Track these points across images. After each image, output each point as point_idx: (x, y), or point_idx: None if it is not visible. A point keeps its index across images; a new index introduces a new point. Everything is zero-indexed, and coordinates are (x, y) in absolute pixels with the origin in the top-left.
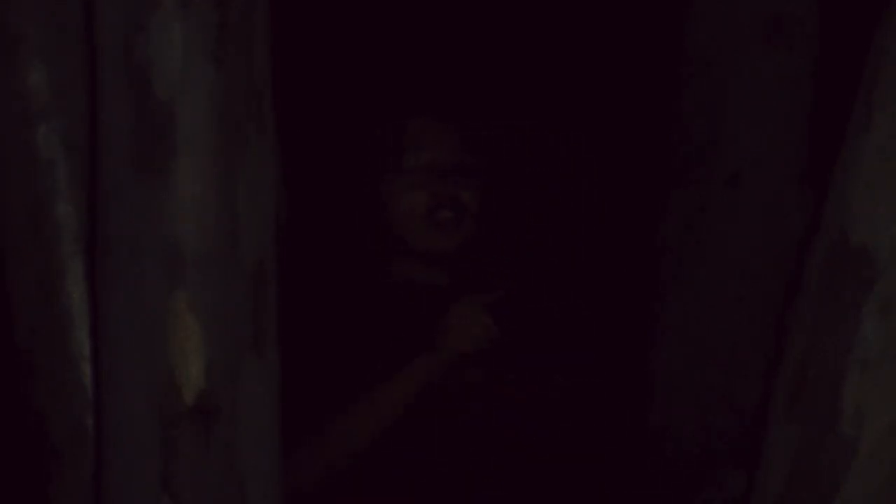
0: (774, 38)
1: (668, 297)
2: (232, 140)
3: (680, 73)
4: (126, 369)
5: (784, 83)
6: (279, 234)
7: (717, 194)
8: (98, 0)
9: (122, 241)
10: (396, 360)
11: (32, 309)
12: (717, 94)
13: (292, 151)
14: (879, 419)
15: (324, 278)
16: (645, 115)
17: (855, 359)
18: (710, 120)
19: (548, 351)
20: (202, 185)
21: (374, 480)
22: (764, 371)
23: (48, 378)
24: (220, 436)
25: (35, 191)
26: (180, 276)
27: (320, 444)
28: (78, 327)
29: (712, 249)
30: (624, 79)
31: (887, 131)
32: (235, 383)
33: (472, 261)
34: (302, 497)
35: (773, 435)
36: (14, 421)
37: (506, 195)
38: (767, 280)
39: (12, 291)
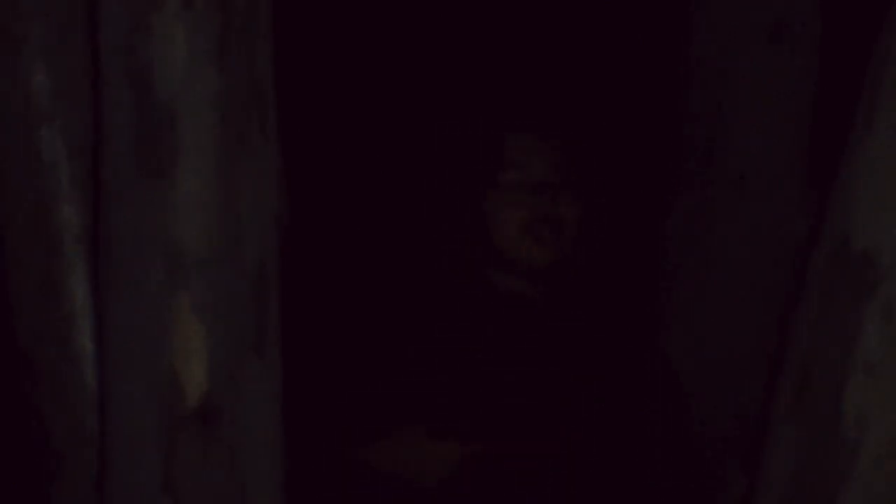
0: (777, 41)
1: (671, 298)
2: (234, 141)
3: (684, 74)
4: (128, 371)
5: (787, 85)
6: (281, 235)
7: (721, 196)
8: (100, 2)
9: (125, 243)
10: (485, 368)
11: (35, 310)
12: (720, 96)
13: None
14: (882, 423)
15: (419, 285)
16: (650, 116)
17: (857, 362)
18: (714, 122)
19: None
20: (204, 187)
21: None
22: (766, 373)
23: (50, 379)
24: (222, 437)
25: (37, 192)
26: (183, 277)
27: None
28: (80, 329)
29: (716, 251)
30: (629, 80)
31: (890, 133)
32: (237, 384)
33: (573, 274)
34: None
35: (775, 437)
36: (16, 422)
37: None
38: (770, 281)
39: (15, 293)
